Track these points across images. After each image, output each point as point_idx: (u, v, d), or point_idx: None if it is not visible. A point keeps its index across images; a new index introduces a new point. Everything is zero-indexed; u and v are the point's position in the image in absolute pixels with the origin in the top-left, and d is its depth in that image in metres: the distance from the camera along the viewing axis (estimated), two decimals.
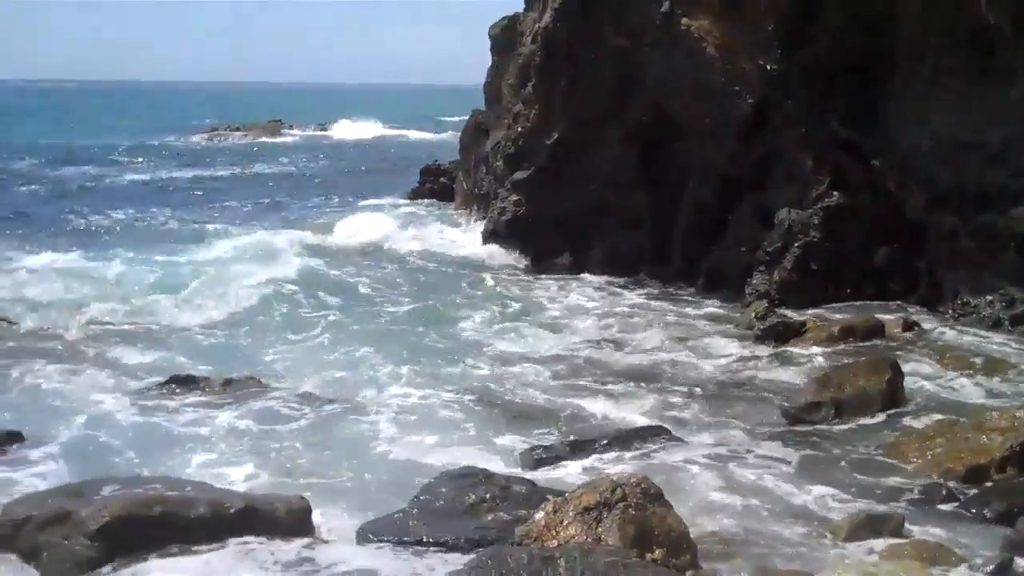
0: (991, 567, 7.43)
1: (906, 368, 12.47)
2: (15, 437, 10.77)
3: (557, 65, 21.59)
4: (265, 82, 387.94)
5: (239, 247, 23.16)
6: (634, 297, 18.75)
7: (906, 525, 8.23)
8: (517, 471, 9.77)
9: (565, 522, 7.24)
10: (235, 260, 21.51)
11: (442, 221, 27.01)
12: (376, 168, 47.57)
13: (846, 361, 13.12)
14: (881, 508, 8.69)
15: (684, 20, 19.33)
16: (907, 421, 11.23)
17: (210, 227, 27.09)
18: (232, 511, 8.14)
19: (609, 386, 13.17)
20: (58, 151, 53.21)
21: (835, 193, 17.57)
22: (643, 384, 13.26)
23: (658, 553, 7.09)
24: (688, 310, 17.65)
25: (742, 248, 18.56)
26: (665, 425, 11.08)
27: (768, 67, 18.69)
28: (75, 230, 27.04)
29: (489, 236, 22.54)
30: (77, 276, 19.49)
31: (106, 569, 7.47)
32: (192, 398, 12.28)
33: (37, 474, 9.94)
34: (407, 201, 32.33)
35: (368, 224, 25.55)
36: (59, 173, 43.31)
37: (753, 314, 15.83)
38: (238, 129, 75.68)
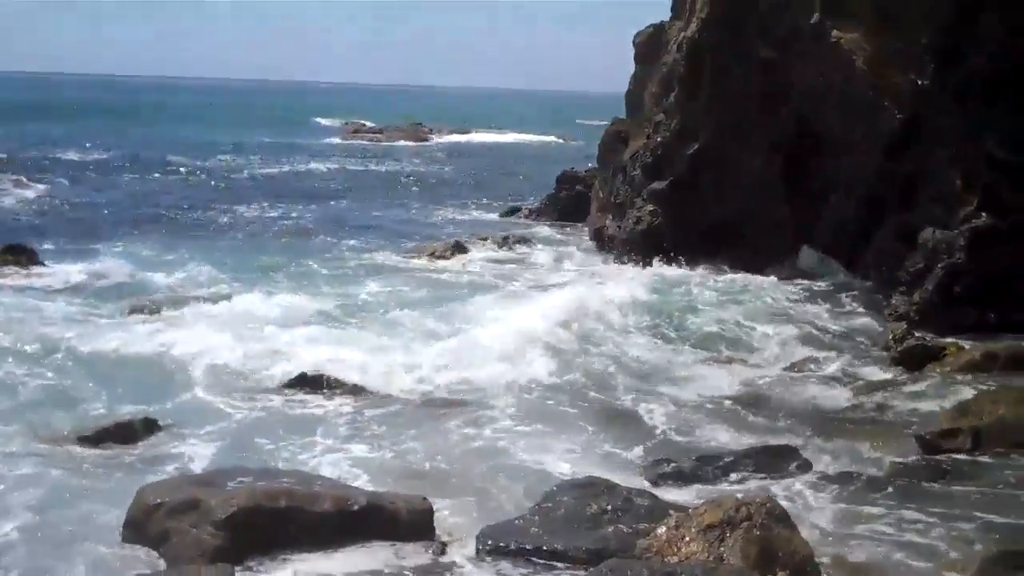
0: None
1: None
2: (152, 425, 11.12)
3: (701, 75, 21.40)
4: (397, 84, 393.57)
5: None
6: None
7: None
8: (640, 484, 9.69)
9: (687, 538, 7.18)
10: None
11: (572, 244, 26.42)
12: (515, 174, 47.78)
13: (987, 389, 12.67)
14: (1015, 546, 8.30)
15: (834, 32, 18.96)
16: None
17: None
18: (356, 508, 8.28)
19: (740, 404, 12.99)
20: (228, 151, 54.72)
21: (984, 215, 16.97)
22: (775, 402, 13.05)
23: (781, 575, 6.97)
24: (825, 328, 17.24)
25: (883, 267, 18.10)
26: (794, 445, 10.87)
27: (920, 82, 18.17)
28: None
29: (623, 246, 22.40)
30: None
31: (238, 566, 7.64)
32: (320, 398, 12.55)
33: (171, 461, 10.26)
34: (536, 213, 31.96)
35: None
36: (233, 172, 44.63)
37: (891, 335, 15.41)
38: (380, 132, 76.79)
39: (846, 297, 18.71)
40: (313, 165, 48.65)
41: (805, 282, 19.67)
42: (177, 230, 26.56)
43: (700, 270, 20.59)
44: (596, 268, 22.30)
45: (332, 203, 34.43)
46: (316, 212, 31.86)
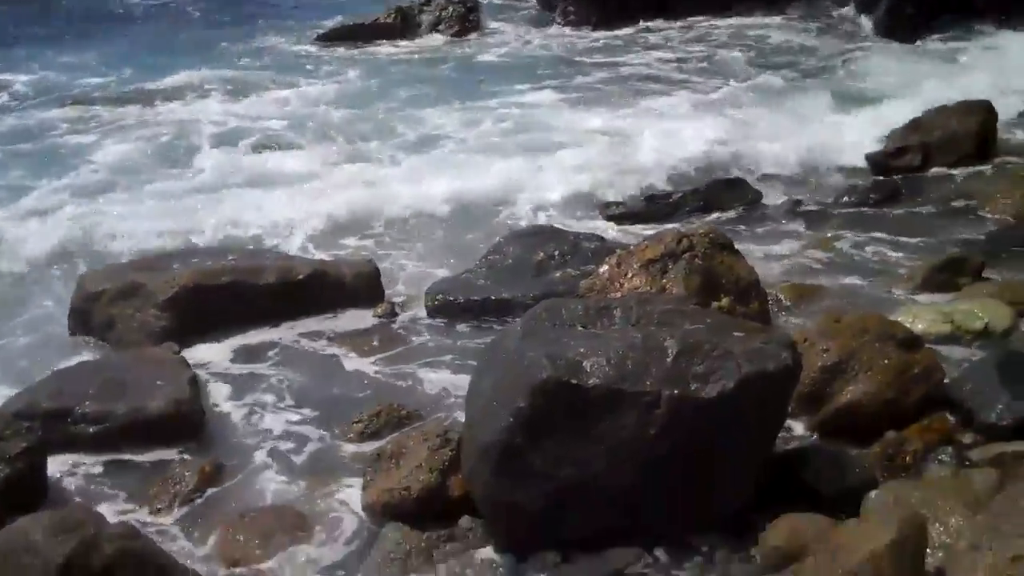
0: None
1: None
2: None
3: None
4: None
5: None
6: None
7: (986, 270, 7.88)
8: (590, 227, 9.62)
9: (629, 274, 7.12)
10: None
11: None
12: None
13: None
14: (960, 253, 8.19)
15: None
16: (998, 166, 10.71)
17: None
18: (301, 277, 8.15)
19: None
20: None
21: None
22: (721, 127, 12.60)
23: (725, 301, 6.95)
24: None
25: None
26: (743, 177, 10.73)
27: None
28: None
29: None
30: None
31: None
32: None
33: None
34: None
35: None
36: None
37: None
38: None
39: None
40: None
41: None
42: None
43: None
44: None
45: None
46: None
